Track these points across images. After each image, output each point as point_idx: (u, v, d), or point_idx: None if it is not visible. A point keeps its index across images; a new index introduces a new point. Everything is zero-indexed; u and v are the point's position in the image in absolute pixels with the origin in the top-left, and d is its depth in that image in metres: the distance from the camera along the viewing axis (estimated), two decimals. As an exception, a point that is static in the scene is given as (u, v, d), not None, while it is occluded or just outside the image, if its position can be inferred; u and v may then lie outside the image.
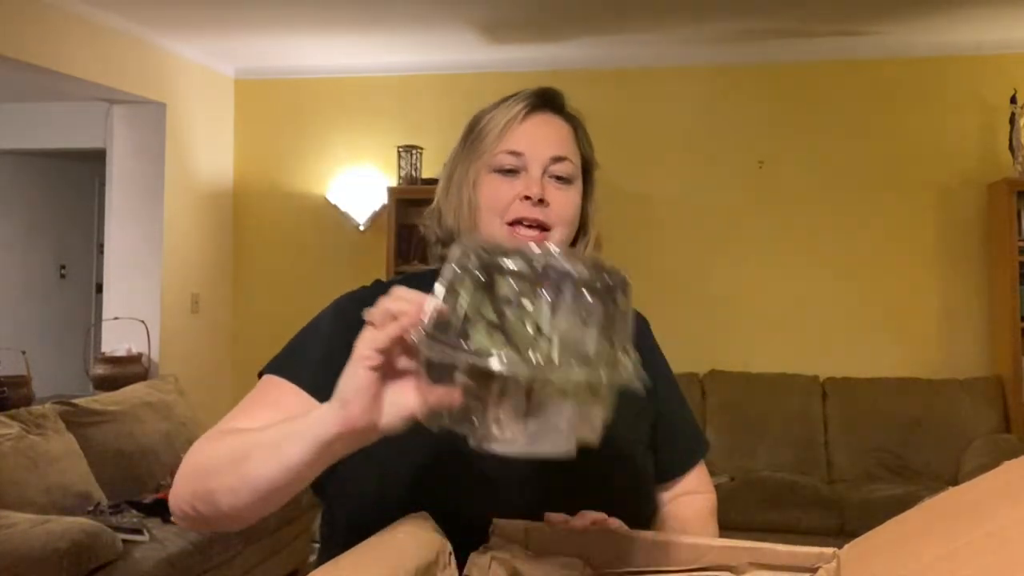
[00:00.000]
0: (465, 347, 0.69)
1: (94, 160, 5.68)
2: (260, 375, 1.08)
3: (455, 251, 0.73)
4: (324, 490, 1.07)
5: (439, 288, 0.72)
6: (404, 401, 0.77)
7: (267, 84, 5.17)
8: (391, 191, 4.73)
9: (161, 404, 4.06)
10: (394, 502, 0.93)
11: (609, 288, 0.72)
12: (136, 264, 4.60)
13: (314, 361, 1.04)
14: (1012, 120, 4.24)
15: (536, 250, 0.72)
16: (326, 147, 5.09)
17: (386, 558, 0.76)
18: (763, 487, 3.89)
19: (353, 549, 0.78)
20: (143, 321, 4.49)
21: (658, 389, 1.18)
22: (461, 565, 0.88)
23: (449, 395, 0.72)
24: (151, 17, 4.23)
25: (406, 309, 0.73)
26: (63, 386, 5.79)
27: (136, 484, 3.68)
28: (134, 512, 3.34)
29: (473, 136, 1.14)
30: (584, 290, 0.70)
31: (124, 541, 2.98)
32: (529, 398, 0.69)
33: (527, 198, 1.08)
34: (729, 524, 3.80)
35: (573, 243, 1.16)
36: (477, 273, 0.70)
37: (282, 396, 1.01)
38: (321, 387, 1.01)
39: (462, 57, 4.80)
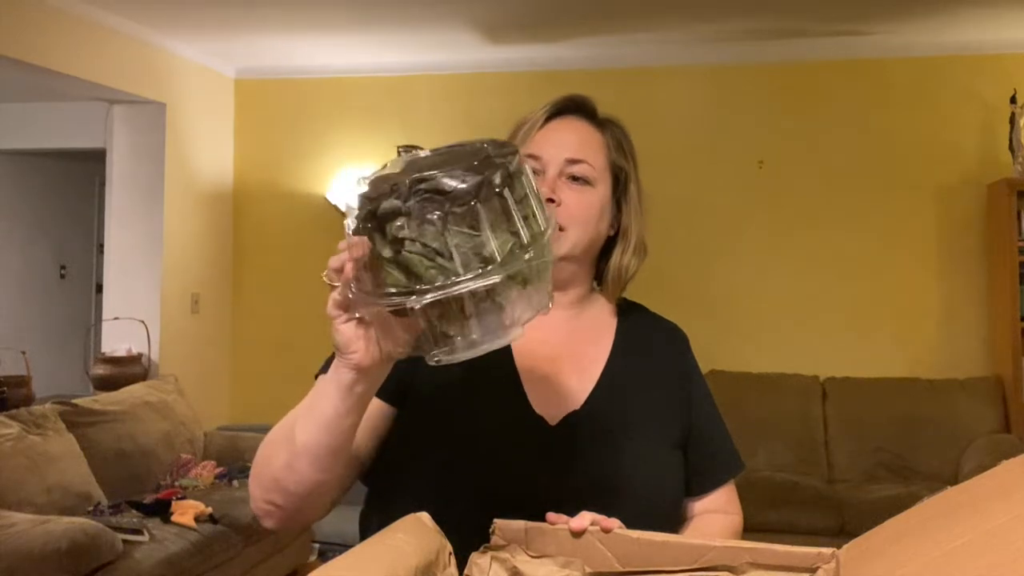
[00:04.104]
0: (377, 292, 0.76)
1: (94, 160, 5.68)
2: (316, 378, 1.10)
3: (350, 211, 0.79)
4: (378, 487, 1.12)
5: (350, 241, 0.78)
6: (393, 333, 0.83)
7: (267, 84, 5.17)
8: (391, 191, 4.73)
9: (161, 404, 4.06)
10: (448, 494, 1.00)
11: (487, 185, 0.75)
12: (136, 264, 4.60)
13: None
14: (1012, 120, 4.24)
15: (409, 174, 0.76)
16: (326, 147, 5.09)
17: (386, 558, 0.76)
18: (763, 487, 3.90)
19: (353, 549, 0.78)
20: (143, 321, 4.49)
21: (696, 402, 1.23)
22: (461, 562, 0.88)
23: (412, 325, 0.80)
24: (151, 17, 4.23)
25: (342, 262, 0.78)
26: (63, 386, 5.80)
27: (136, 484, 3.68)
28: (134, 512, 3.34)
29: (510, 139, 1.19)
30: (464, 201, 0.75)
31: (124, 541, 2.98)
32: (463, 309, 0.76)
33: None
34: (729, 524, 3.81)
35: (609, 248, 1.19)
36: (367, 223, 0.76)
37: None
38: None
39: (462, 57, 4.80)
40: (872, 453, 4.21)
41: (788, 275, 4.61)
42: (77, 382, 5.96)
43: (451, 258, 0.74)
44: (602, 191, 1.16)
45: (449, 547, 0.85)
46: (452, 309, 0.76)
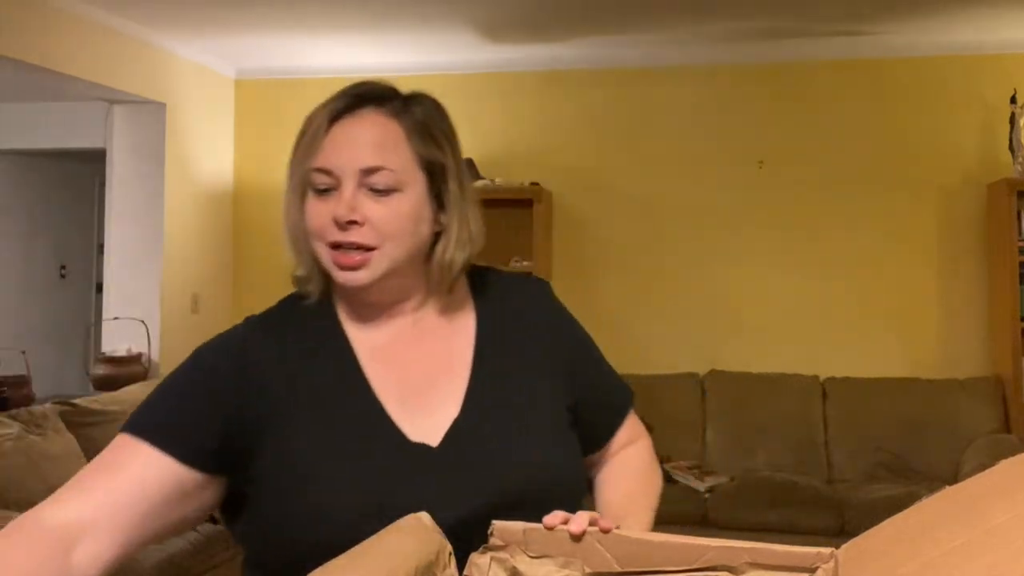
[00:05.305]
0: None
1: (94, 160, 5.68)
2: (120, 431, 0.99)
3: None
4: (246, 538, 1.02)
5: None
6: None
7: (267, 84, 5.17)
8: (391, 191, 4.73)
9: (161, 404, 4.05)
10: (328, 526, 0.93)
11: None
12: (136, 264, 4.60)
13: (170, 418, 0.99)
14: (1012, 120, 4.24)
15: None
16: (326, 147, 5.08)
17: (386, 558, 0.76)
18: (763, 487, 3.89)
19: (353, 549, 0.78)
20: (143, 321, 4.49)
21: (574, 352, 1.15)
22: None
23: None
24: (151, 17, 4.23)
25: None
26: (63, 386, 5.80)
27: (136, 484, 3.67)
28: (134, 512, 3.34)
29: (296, 146, 1.06)
30: None
31: (124, 541, 2.98)
32: None
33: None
34: (729, 524, 3.82)
35: (432, 248, 1.05)
36: None
37: (130, 457, 0.94)
38: (176, 443, 0.96)
39: (462, 57, 4.80)
40: (872, 453, 4.21)
41: (788, 275, 4.61)
42: (77, 382, 5.96)
43: None
44: (414, 192, 1.01)
45: (449, 547, 0.85)
46: None
